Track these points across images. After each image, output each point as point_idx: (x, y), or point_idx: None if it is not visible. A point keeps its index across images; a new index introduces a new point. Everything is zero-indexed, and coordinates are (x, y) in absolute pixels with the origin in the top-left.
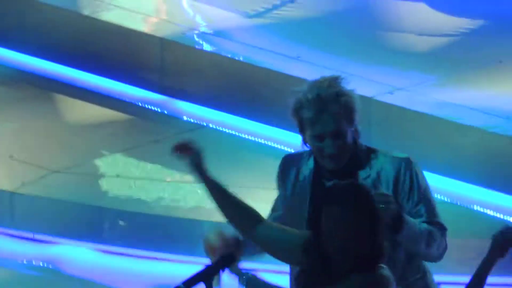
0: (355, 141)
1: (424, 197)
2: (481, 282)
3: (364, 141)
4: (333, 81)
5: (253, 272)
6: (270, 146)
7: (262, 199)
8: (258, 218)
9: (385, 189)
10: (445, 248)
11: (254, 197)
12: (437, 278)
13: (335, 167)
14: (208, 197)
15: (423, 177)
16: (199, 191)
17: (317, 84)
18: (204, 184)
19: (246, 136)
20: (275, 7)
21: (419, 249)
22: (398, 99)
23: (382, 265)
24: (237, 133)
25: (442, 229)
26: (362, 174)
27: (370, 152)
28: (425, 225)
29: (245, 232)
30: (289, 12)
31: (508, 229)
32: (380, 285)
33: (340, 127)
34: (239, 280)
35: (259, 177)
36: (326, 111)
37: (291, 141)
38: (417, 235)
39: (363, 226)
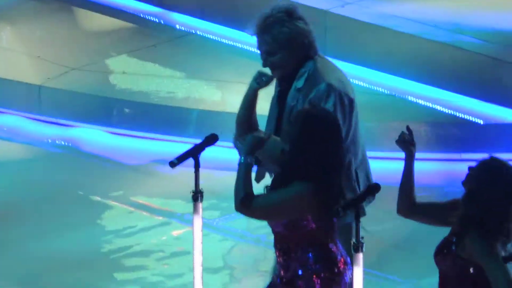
0: (297, 59)
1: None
2: (411, 178)
3: (320, 47)
4: (280, 11)
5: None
6: (244, 49)
7: (238, 91)
8: None
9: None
10: None
11: (231, 89)
12: (380, 154)
13: (275, 76)
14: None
15: None
16: (188, 84)
17: (269, 11)
18: None
19: (225, 41)
20: None
21: None
22: (348, 12)
23: None
24: (218, 38)
25: None
26: (295, 84)
27: (309, 72)
28: None
29: None
30: None
31: (401, 134)
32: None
33: (270, 49)
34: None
35: (235, 73)
36: (261, 35)
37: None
38: None
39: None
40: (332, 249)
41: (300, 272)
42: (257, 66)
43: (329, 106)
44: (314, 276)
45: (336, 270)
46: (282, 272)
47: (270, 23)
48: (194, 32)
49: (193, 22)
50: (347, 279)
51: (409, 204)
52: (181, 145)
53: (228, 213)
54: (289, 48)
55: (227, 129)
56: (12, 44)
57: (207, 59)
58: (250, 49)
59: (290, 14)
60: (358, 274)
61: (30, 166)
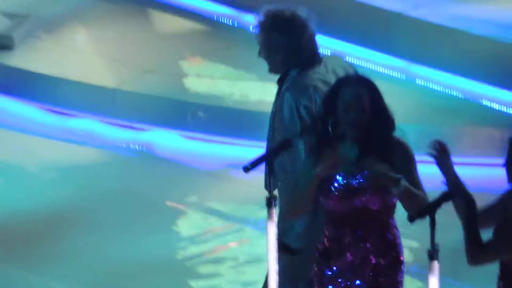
0: (285, 61)
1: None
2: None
3: (395, 50)
4: (275, 14)
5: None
6: None
7: None
8: None
9: None
10: None
11: None
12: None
13: (269, 72)
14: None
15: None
16: (262, 87)
17: (270, 13)
18: None
19: None
20: None
21: None
22: (422, 14)
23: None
24: None
25: None
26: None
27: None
28: None
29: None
30: None
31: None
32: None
33: (260, 46)
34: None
35: None
36: (257, 31)
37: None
38: None
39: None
40: None
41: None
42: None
43: (284, 113)
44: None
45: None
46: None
47: (266, 26)
48: None
49: None
50: None
51: (478, 247)
52: (255, 150)
53: None
54: (271, 55)
55: None
56: (87, 47)
57: None
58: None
59: (283, 22)
60: (433, 283)
61: (103, 170)
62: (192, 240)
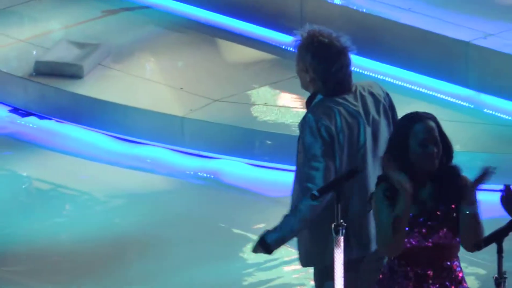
0: (312, 82)
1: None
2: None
3: (461, 79)
4: (314, 36)
5: None
6: (386, 81)
7: None
8: None
9: None
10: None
11: None
12: None
13: (302, 88)
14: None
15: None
16: None
17: (313, 32)
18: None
19: (367, 73)
20: None
21: None
22: (491, 43)
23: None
24: (359, 70)
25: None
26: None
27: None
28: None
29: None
30: None
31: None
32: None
33: (296, 72)
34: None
35: None
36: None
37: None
38: None
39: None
40: None
41: None
42: (404, 100)
43: (305, 133)
44: None
45: None
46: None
47: (302, 44)
48: None
49: None
50: None
51: None
52: None
53: None
54: (302, 73)
55: None
56: (155, 76)
57: None
58: (395, 82)
59: (318, 47)
60: None
61: (171, 198)
62: (259, 267)
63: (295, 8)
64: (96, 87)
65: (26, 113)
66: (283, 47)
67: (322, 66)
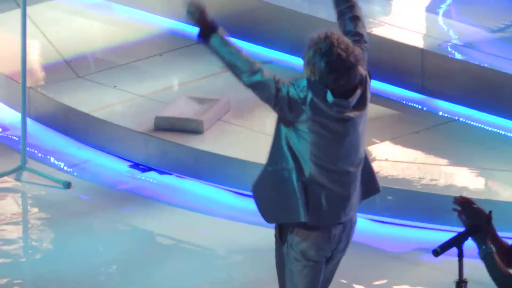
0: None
1: None
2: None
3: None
4: (330, 43)
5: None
6: (510, 136)
7: (502, 179)
8: None
9: None
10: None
11: (495, 177)
12: None
13: None
14: None
15: None
16: (450, 172)
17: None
18: None
19: (490, 128)
20: None
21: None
22: None
23: None
24: (482, 126)
25: None
26: None
27: None
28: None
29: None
30: None
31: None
32: None
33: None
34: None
35: (499, 161)
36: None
37: None
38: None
39: None
40: None
41: None
42: None
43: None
44: None
45: None
46: None
47: (315, 47)
48: (457, 118)
49: (456, 108)
50: None
51: None
52: (444, 234)
53: None
54: (310, 74)
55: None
56: None
57: (470, 146)
58: None
59: (329, 56)
60: None
61: None
62: None
63: (416, 62)
64: (216, 142)
65: (146, 168)
66: (404, 102)
67: (332, 76)
